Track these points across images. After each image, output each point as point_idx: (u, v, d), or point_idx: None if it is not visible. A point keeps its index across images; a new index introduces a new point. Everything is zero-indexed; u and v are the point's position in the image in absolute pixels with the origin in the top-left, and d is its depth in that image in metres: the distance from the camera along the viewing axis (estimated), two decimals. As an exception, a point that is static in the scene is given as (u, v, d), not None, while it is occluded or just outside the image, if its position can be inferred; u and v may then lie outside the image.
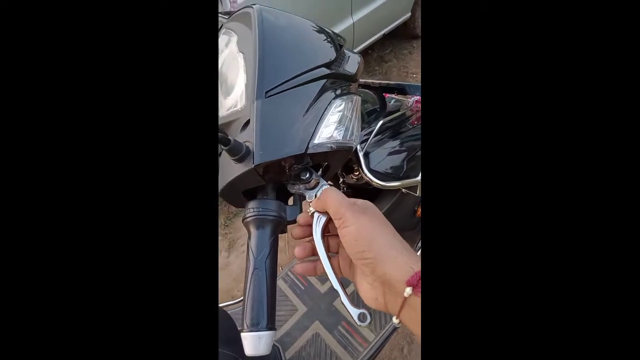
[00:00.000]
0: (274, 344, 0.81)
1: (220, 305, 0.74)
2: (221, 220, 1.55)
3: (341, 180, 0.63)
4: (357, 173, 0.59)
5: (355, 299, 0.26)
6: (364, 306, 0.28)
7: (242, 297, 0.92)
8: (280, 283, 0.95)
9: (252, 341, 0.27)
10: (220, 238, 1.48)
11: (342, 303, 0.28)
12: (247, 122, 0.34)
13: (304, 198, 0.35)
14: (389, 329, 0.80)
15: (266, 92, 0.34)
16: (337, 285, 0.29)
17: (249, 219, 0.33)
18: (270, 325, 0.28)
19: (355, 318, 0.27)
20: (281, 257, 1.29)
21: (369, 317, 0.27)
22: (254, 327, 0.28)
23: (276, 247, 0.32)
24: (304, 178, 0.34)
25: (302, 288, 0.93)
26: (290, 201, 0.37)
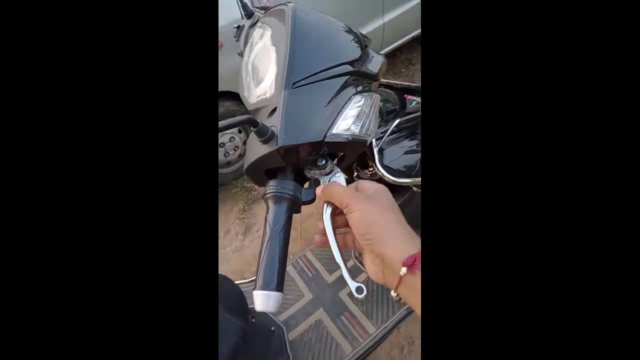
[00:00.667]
0: (279, 325, 0.86)
1: (236, 282, 0.79)
2: (240, 205, 1.61)
3: (355, 174, 0.66)
4: (371, 169, 0.61)
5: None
6: (367, 281, 0.31)
7: (253, 278, 0.97)
8: (289, 269, 1.00)
9: (263, 299, 0.31)
10: (238, 222, 1.55)
11: (343, 276, 0.31)
12: (274, 109, 0.38)
13: (319, 183, 0.39)
14: (390, 325, 0.83)
15: (293, 83, 0.38)
16: (339, 260, 0.32)
17: (268, 195, 0.36)
18: (279, 288, 0.32)
19: (353, 290, 0.30)
20: (293, 246, 1.34)
21: (364, 290, 0.30)
22: (265, 287, 0.31)
23: (290, 222, 0.36)
24: (320, 164, 0.38)
25: (310, 276, 0.97)
26: (306, 185, 0.41)
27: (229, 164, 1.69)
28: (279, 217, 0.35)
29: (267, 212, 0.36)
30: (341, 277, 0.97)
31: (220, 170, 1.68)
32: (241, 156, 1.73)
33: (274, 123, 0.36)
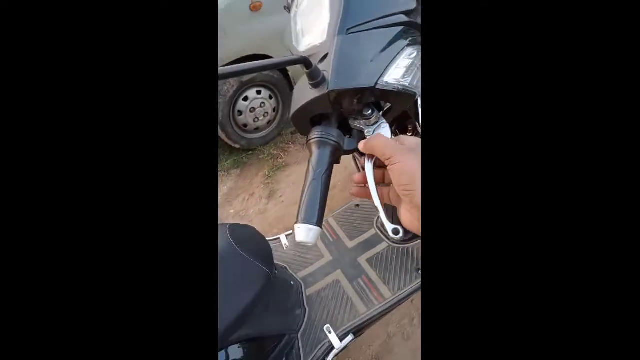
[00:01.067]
0: (298, 280, 0.91)
1: (267, 238, 0.84)
2: (266, 171, 1.66)
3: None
4: (410, 133, 0.61)
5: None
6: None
7: (277, 236, 1.01)
8: (311, 232, 1.04)
9: (304, 230, 0.33)
10: (262, 187, 1.60)
11: (381, 218, 0.32)
12: (325, 56, 0.38)
13: (363, 134, 0.39)
14: (406, 293, 0.85)
15: (348, 29, 0.37)
16: (378, 205, 0.33)
17: (312, 141, 0.38)
18: (319, 224, 0.34)
19: (390, 231, 0.32)
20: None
21: (401, 232, 0.31)
22: (307, 221, 0.33)
23: (332, 168, 0.37)
24: (366, 114, 0.38)
25: (331, 240, 1.00)
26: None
27: (257, 129, 1.72)
28: (322, 161, 0.37)
29: (311, 156, 0.38)
30: (361, 244, 0.99)
31: (249, 136, 1.72)
32: (270, 123, 1.75)
33: (325, 68, 0.37)
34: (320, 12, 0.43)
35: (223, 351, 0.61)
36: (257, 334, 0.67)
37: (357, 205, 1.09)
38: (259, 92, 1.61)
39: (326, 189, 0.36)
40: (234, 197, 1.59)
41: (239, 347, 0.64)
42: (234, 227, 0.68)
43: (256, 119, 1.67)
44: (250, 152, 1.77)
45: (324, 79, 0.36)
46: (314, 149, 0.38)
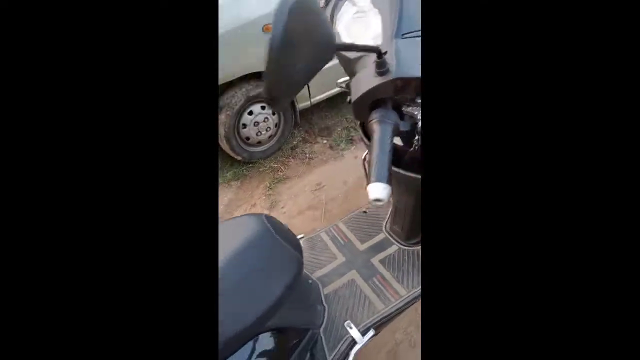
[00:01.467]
0: (315, 280, 0.92)
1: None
2: (267, 183, 1.69)
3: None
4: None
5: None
6: None
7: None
8: (322, 235, 1.07)
9: (377, 188, 0.38)
10: (263, 198, 1.62)
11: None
12: (385, 52, 0.46)
13: (414, 118, 0.46)
14: (419, 291, 0.89)
15: (402, 34, 0.46)
16: None
17: (374, 120, 0.44)
18: (389, 183, 0.39)
19: None
20: (316, 225, 1.41)
21: None
22: (379, 179, 0.39)
23: (392, 143, 0.44)
24: (418, 101, 0.46)
25: (342, 243, 1.04)
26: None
27: (259, 143, 1.77)
28: (384, 137, 0.43)
29: (373, 134, 0.44)
30: (372, 246, 1.03)
31: (251, 149, 1.76)
32: (271, 137, 1.81)
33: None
34: (371, 23, 0.52)
35: (255, 338, 0.61)
36: (286, 324, 0.68)
37: (365, 212, 1.15)
38: (263, 107, 1.68)
39: (390, 157, 0.42)
40: (234, 207, 1.59)
41: (270, 336, 0.64)
42: (268, 217, 0.71)
43: (259, 133, 1.72)
44: (251, 165, 1.80)
45: (388, 69, 0.43)
46: (377, 127, 0.44)
